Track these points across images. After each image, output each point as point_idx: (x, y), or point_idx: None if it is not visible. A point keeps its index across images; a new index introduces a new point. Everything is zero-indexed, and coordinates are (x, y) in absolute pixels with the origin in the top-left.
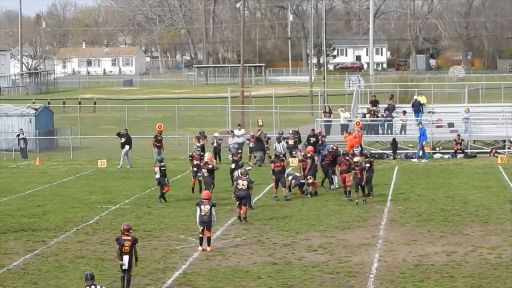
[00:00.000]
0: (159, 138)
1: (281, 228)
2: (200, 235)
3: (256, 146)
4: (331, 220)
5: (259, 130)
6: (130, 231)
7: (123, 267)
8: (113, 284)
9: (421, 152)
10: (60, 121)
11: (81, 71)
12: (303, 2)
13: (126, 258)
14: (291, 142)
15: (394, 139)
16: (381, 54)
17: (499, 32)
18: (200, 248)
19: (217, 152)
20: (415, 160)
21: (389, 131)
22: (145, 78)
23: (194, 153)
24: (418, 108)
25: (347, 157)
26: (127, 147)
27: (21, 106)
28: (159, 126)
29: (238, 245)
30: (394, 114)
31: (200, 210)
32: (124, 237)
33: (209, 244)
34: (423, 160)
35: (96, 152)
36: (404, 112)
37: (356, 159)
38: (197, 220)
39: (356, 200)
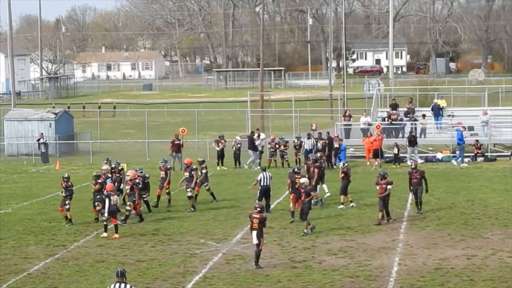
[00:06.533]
0: (176, 142)
1: (301, 232)
2: (105, 223)
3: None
4: (351, 224)
5: (315, 133)
6: (258, 209)
7: (253, 242)
8: None
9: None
10: (80, 126)
11: (101, 75)
12: (323, 6)
13: (254, 233)
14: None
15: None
16: (401, 58)
17: None
18: (105, 234)
19: (236, 157)
20: (464, 165)
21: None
22: (164, 82)
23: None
24: (437, 111)
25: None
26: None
27: (41, 111)
28: (182, 131)
29: None
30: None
31: (110, 200)
32: (254, 215)
33: (116, 232)
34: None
35: (116, 156)
36: (424, 116)
37: (302, 180)
38: (106, 211)
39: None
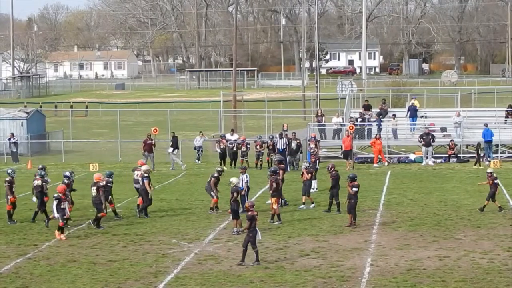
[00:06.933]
0: (148, 142)
1: (273, 232)
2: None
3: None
4: (323, 225)
5: (287, 133)
6: (250, 207)
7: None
8: None
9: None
10: (52, 125)
11: (73, 74)
12: (296, 6)
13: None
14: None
15: (478, 144)
16: (374, 59)
17: (492, 36)
18: (63, 236)
19: (232, 157)
20: (486, 162)
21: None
22: (137, 82)
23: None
24: (414, 112)
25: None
26: (170, 148)
27: (13, 110)
28: (155, 130)
29: (230, 249)
30: (386, 119)
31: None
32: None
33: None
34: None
35: (88, 156)
36: (394, 116)
37: (232, 179)
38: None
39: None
